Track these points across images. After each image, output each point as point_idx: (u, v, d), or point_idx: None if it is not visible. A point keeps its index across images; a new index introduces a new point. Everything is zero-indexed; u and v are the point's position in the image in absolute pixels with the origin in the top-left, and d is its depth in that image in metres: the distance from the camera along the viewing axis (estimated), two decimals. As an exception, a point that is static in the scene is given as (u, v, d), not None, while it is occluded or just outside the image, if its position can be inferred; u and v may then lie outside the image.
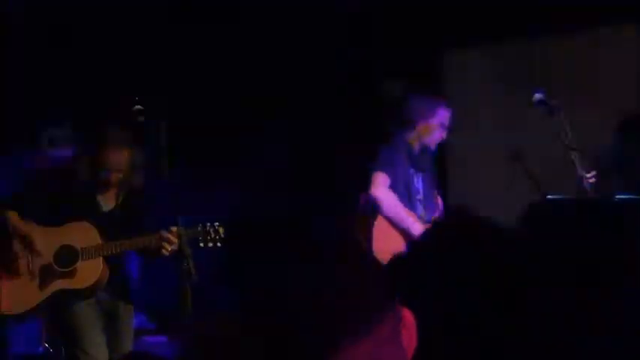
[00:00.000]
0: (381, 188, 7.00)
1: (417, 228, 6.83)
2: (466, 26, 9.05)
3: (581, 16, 8.54)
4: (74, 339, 6.44)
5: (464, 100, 9.19)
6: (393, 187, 7.08)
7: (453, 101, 8.10)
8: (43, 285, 6.44)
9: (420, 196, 7.25)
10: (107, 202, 6.68)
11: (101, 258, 6.44)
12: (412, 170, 7.22)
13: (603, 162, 7.47)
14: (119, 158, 6.51)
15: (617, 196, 5.52)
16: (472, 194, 7.42)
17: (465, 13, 8.85)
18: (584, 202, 6.00)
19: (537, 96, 6.98)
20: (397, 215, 6.96)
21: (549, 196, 5.85)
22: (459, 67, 9.56)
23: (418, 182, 7.28)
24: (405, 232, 6.93)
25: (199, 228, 6.54)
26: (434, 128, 7.16)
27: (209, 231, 6.59)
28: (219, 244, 6.65)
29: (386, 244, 6.65)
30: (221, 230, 6.62)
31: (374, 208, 6.97)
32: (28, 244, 6.40)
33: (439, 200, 7.47)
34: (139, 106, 6.15)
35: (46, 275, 6.44)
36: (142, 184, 6.66)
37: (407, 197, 7.12)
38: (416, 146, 7.23)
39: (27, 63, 9.53)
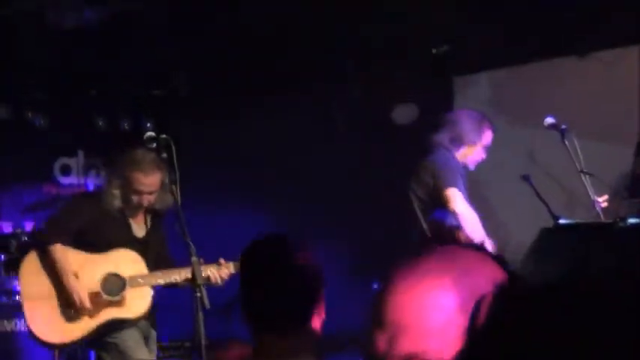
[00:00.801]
0: (460, 204, 6.84)
1: (489, 244, 6.67)
2: (475, 52, 9.09)
3: (586, 40, 8.58)
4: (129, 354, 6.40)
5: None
6: None
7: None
8: (93, 314, 6.37)
9: None
10: (138, 226, 6.65)
11: (150, 287, 6.41)
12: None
13: (615, 186, 7.47)
14: (152, 180, 6.42)
15: (630, 220, 5.50)
16: (482, 217, 7.38)
17: (473, 40, 8.88)
18: (596, 227, 6.00)
19: (549, 120, 6.99)
20: (478, 229, 6.74)
21: (561, 220, 5.84)
22: (469, 91, 9.58)
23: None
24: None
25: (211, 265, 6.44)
26: (479, 149, 7.10)
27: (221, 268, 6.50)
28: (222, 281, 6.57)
29: None
30: (231, 265, 6.52)
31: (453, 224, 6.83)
32: (75, 274, 6.33)
33: None
34: (150, 133, 6.15)
35: (94, 304, 6.36)
36: (167, 207, 6.57)
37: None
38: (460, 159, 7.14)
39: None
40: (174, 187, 6.07)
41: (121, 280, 6.38)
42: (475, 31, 8.74)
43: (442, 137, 7.16)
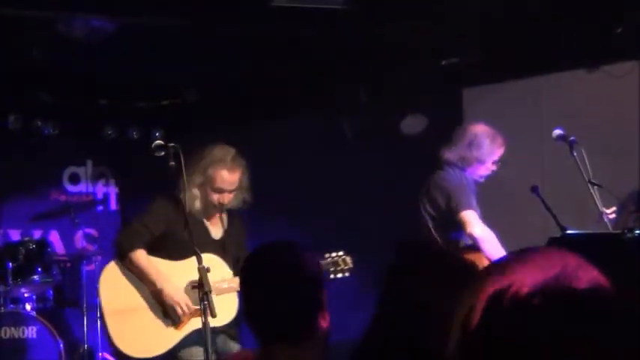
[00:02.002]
0: (478, 226, 6.79)
1: None
2: (485, 64, 9.10)
3: (595, 53, 8.59)
4: None
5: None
6: None
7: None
8: (179, 325, 6.18)
9: None
10: (215, 227, 6.48)
11: (236, 292, 6.14)
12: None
13: (623, 199, 7.46)
14: (235, 177, 6.31)
15: (637, 231, 5.49)
16: (490, 228, 7.37)
17: (483, 53, 8.90)
18: (604, 237, 5.99)
19: (557, 132, 6.99)
20: (498, 249, 6.67)
21: (569, 231, 5.83)
22: (478, 103, 9.58)
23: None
24: None
25: (328, 259, 6.34)
26: (489, 165, 7.09)
27: (337, 261, 6.38)
28: (347, 274, 6.43)
29: None
30: (348, 260, 6.41)
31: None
32: (161, 282, 6.15)
33: None
34: (159, 142, 6.10)
35: (178, 315, 6.17)
36: (242, 205, 6.45)
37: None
38: (469, 177, 7.12)
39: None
40: (182, 195, 5.98)
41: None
42: (485, 43, 8.76)
43: (455, 154, 7.11)
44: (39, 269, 8.01)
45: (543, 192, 6.97)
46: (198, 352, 6.13)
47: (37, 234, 9.56)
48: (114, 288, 6.24)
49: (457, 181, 7.03)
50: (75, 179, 10.42)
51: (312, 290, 3.02)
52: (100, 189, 10.60)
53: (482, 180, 7.18)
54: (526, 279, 1.23)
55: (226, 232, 6.51)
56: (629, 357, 1.16)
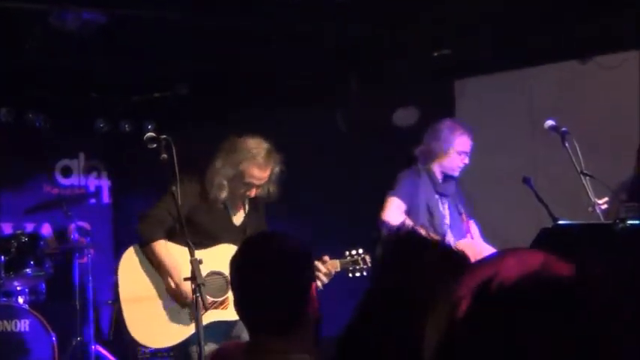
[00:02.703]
0: (390, 212, 6.94)
1: None
2: (476, 56, 9.12)
3: (585, 43, 8.61)
4: None
5: (474, 126, 9.23)
6: (414, 211, 7.04)
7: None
8: (195, 316, 6.04)
9: (447, 221, 7.18)
10: (237, 214, 6.45)
11: None
12: (437, 196, 7.16)
13: (615, 189, 7.47)
14: (267, 173, 6.29)
15: (629, 222, 5.49)
16: (483, 219, 7.39)
17: (475, 45, 8.91)
18: (596, 228, 6.00)
19: (549, 122, 6.99)
20: None
21: (560, 222, 5.83)
22: (469, 95, 9.60)
23: (444, 208, 7.23)
24: None
25: (348, 258, 6.33)
26: (452, 154, 7.11)
27: (357, 260, 6.38)
28: (365, 274, 6.41)
29: None
30: (367, 258, 6.40)
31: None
32: (178, 279, 6.08)
33: (471, 225, 7.36)
34: (151, 134, 6.09)
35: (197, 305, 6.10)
36: (265, 194, 6.43)
37: (430, 222, 7.05)
38: (437, 172, 7.18)
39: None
40: (174, 187, 5.97)
41: (224, 278, 6.15)
42: (476, 35, 8.76)
43: (420, 150, 7.29)
44: (31, 262, 8.00)
45: (535, 183, 6.98)
46: (210, 348, 5.98)
47: (30, 227, 9.55)
48: (132, 275, 6.21)
49: (406, 173, 7.19)
50: (67, 172, 10.40)
51: (301, 280, 3.03)
52: (93, 182, 10.58)
53: (456, 174, 7.20)
54: (511, 269, 1.23)
55: (247, 217, 6.49)
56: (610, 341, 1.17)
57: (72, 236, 9.02)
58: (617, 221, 5.51)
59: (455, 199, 7.31)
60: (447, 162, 7.14)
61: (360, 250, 6.44)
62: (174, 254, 6.19)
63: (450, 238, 7.02)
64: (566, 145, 6.75)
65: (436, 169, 7.16)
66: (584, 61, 8.94)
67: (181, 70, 9.77)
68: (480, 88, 9.57)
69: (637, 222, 5.75)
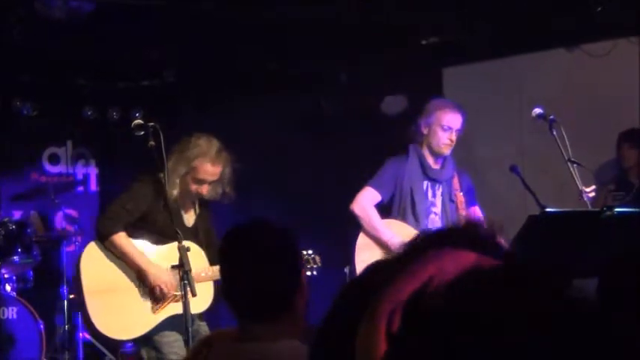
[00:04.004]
0: (358, 204, 6.93)
1: (395, 242, 6.60)
2: (464, 44, 9.13)
3: (573, 31, 8.63)
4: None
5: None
6: (397, 199, 6.99)
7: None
8: (157, 309, 6.21)
9: (437, 209, 7.09)
10: (188, 215, 6.50)
11: (212, 281, 6.20)
12: (426, 182, 7.06)
13: (601, 177, 7.50)
14: (218, 170, 6.31)
15: (616, 209, 5.51)
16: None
17: (463, 31, 8.92)
18: (583, 215, 6.02)
19: (537, 110, 6.99)
20: (373, 231, 6.84)
21: (548, 209, 5.84)
22: (458, 83, 9.61)
23: (434, 195, 7.12)
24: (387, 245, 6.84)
25: None
26: (436, 130, 6.95)
27: (308, 259, 6.50)
28: (315, 273, 6.55)
29: (369, 255, 6.62)
30: (317, 259, 6.56)
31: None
32: (145, 264, 6.15)
33: (474, 212, 7.22)
34: (138, 121, 6.10)
35: (159, 296, 6.20)
36: (217, 197, 6.45)
37: (412, 211, 6.98)
38: (428, 155, 7.05)
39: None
40: (162, 175, 6.00)
41: (185, 273, 6.02)
42: (464, 23, 8.77)
43: (411, 130, 7.18)
44: (19, 250, 7.99)
45: (523, 171, 6.99)
46: (171, 334, 6.20)
47: (17, 214, 9.53)
48: (95, 268, 6.22)
49: (391, 160, 7.13)
50: (55, 160, 10.39)
51: (290, 267, 3.03)
52: (80, 169, 10.57)
53: (445, 151, 7.02)
54: (446, 270, 1.15)
55: (198, 219, 6.54)
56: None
57: (59, 224, 9.01)
58: (605, 209, 5.54)
59: (450, 186, 7.17)
60: (434, 140, 6.96)
61: (310, 251, 6.59)
62: (136, 246, 6.25)
63: (436, 225, 6.89)
64: (554, 133, 6.76)
65: (426, 152, 7.04)
66: (571, 49, 8.95)
67: (169, 57, 9.76)
68: (469, 77, 9.58)
69: (624, 210, 5.78)
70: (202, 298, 6.13)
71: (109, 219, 6.30)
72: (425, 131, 6.99)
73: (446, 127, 6.94)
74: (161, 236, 6.26)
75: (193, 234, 6.39)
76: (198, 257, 6.18)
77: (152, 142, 5.92)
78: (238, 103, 10.09)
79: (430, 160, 7.05)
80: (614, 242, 5.12)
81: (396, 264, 1.25)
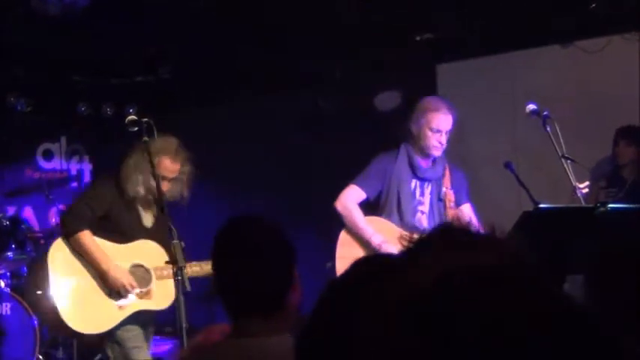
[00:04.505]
0: (341, 201, 6.95)
1: (376, 240, 6.72)
2: (458, 40, 9.14)
3: (568, 27, 8.64)
4: (131, 357, 6.30)
5: (456, 110, 9.27)
6: (384, 197, 7.00)
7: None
8: (122, 305, 6.29)
9: (424, 208, 7.09)
10: (147, 215, 6.55)
11: (172, 279, 6.18)
12: (415, 180, 7.06)
13: (595, 173, 7.51)
14: (178, 166, 6.38)
15: (610, 205, 5.52)
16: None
17: (457, 27, 8.92)
18: (577, 211, 6.03)
19: (530, 106, 6.99)
20: (355, 228, 6.88)
21: (542, 205, 5.84)
22: (451, 79, 9.62)
23: (422, 194, 7.08)
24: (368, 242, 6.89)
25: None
26: (426, 132, 6.88)
27: None
28: None
29: (349, 251, 6.68)
30: None
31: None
32: (107, 264, 6.22)
33: (463, 210, 7.20)
34: (132, 117, 6.12)
35: (122, 295, 6.28)
36: (176, 197, 6.51)
37: (397, 209, 6.98)
38: (418, 154, 7.04)
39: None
40: (154, 170, 6.03)
41: (146, 271, 6.33)
42: (459, 19, 8.77)
43: (400, 135, 7.20)
44: (13, 246, 7.99)
45: (517, 167, 6.99)
46: (133, 328, 6.33)
47: (11, 210, 9.52)
48: (61, 265, 6.29)
49: (378, 158, 7.12)
50: (49, 155, 10.39)
51: (283, 263, 3.04)
52: (74, 165, 10.57)
53: (436, 153, 6.98)
54: (446, 269, 1.13)
55: (157, 220, 6.56)
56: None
57: (54, 219, 9.01)
58: (598, 205, 5.54)
59: (440, 184, 7.13)
60: (424, 141, 6.90)
61: None
62: (99, 245, 6.30)
63: (423, 224, 6.96)
64: (548, 129, 6.76)
65: (416, 151, 7.04)
66: (565, 46, 8.96)
67: (164, 54, 9.75)
68: (463, 73, 9.59)
69: (617, 206, 5.79)
70: (163, 296, 6.29)
71: (73, 216, 6.37)
72: (415, 132, 6.94)
73: (435, 129, 6.85)
74: (123, 235, 6.36)
75: (152, 234, 6.48)
76: (158, 255, 6.30)
77: (146, 138, 5.96)
78: (233, 100, 10.09)
79: (420, 159, 7.01)
80: (607, 238, 5.13)
81: (394, 263, 1.25)
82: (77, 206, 6.42)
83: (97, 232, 6.32)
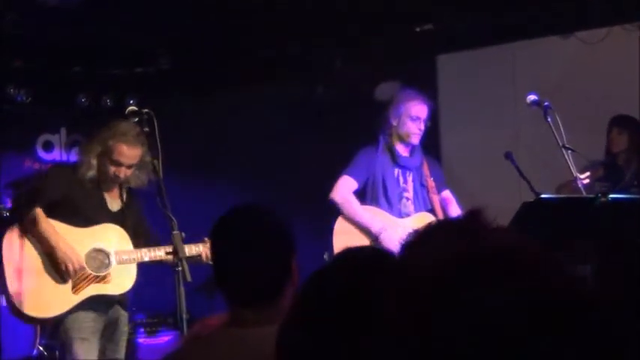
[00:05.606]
0: (338, 192, 7.24)
1: (374, 223, 7.08)
2: (458, 30, 9.12)
3: (566, 18, 8.63)
4: (72, 348, 6.23)
5: (457, 101, 9.27)
6: (371, 186, 7.22)
7: (446, 103, 8.19)
8: (77, 289, 6.23)
9: (409, 194, 7.32)
10: (112, 200, 6.53)
11: (136, 264, 6.32)
12: (397, 169, 7.29)
13: (593, 164, 7.50)
14: (134, 153, 6.32)
15: (611, 195, 5.52)
16: (464, 194, 7.40)
17: (457, 18, 8.91)
18: (577, 201, 6.02)
19: (531, 97, 6.99)
20: (355, 216, 7.16)
21: (542, 196, 5.84)
22: (451, 69, 9.61)
23: (405, 181, 7.39)
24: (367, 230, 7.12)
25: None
26: (406, 121, 7.29)
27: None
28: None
29: (347, 239, 6.79)
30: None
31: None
32: (55, 239, 6.18)
33: (445, 196, 7.45)
34: (132, 108, 6.12)
35: (78, 279, 6.22)
36: (142, 186, 6.51)
37: (384, 196, 7.22)
38: (398, 144, 7.31)
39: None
40: (155, 161, 6.00)
41: (106, 255, 6.29)
42: (459, 10, 8.75)
43: (379, 127, 7.49)
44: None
45: (517, 157, 6.99)
46: (84, 318, 6.26)
47: (10, 202, 9.50)
48: (13, 249, 6.25)
49: (363, 150, 7.44)
50: (49, 147, 10.37)
51: (282, 253, 3.03)
52: (74, 156, 10.54)
53: (414, 141, 7.31)
54: (423, 259, 1.13)
55: (125, 205, 6.57)
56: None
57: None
58: (599, 195, 5.54)
59: (420, 172, 7.44)
60: (403, 130, 7.31)
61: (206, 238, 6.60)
62: (54, 228, 6.26)
63: (409, 210, 7.32)
64: (549, 119, 6.76)
65: (396, 141, 7.36)
66: (566, 37, 8.94)
67: (163, 44, 9.74)
68: (463, 64, 9.57)
69: (618, 196, 5.78)
70: (124, 280, 6.32)
71: (26, 197, 6.38)
72: (394, 122, 7.33)
73: (415, 117, 7.30)
74: (87, 220, 6.33)
75: (118, 219, 6.46)
76: (120, 239, 6.34)
77: (146, 129, 5.97)
78: (233, 89, 10.08)
79: (400, 148, 7.39)
80: (608, 228, 5.13)
81: (382, 256, 1.25)
82: (30, 190, 6.46)
83: (55, 217, 6.27)
